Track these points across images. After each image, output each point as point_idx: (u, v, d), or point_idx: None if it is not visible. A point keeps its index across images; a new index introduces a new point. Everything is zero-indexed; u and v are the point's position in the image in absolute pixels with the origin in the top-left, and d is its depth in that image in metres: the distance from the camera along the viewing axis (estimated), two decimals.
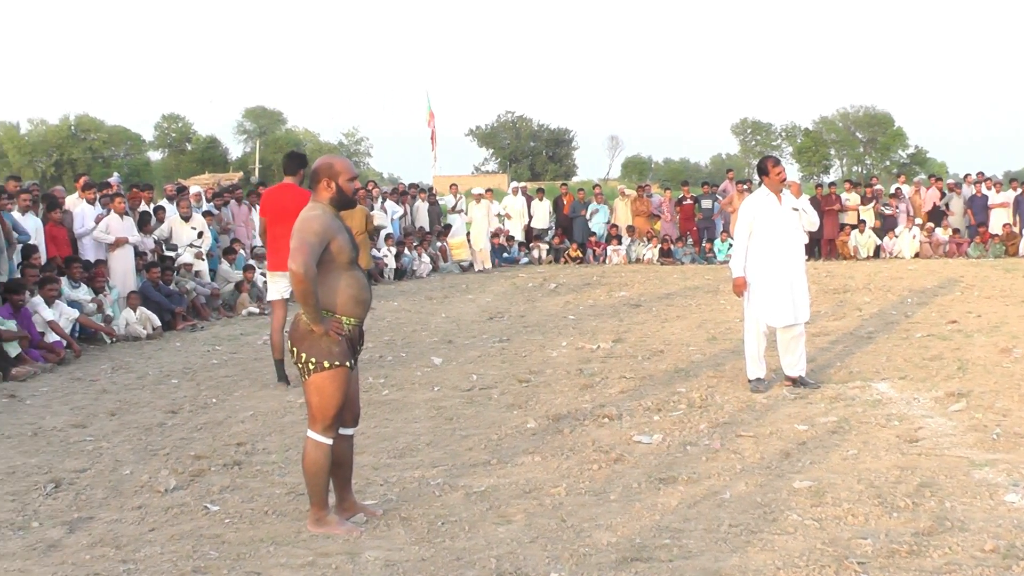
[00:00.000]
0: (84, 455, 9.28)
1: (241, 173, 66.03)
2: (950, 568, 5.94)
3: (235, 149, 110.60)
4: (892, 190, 34.28)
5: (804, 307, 11.79)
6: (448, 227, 31.92)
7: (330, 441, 7.01)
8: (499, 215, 33.33)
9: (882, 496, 7.38)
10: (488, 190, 32.72)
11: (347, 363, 6.97)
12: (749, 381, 11.70)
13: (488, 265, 30.55)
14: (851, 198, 32.92)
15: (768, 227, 11.60)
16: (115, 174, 27.59)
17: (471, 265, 30.61)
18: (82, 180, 20.00)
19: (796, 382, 11.67)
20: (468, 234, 31.47)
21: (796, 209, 11.72)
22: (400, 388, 12.02)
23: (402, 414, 10.68)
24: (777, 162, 11.79)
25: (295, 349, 6.96)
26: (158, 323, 17.33)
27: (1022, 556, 6.08)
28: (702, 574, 5.94)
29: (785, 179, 11.73)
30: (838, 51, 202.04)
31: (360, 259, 7.45)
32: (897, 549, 6.25)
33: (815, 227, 12.14)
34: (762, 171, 11.81)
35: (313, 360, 6.87)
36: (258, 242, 23.69)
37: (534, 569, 6.10)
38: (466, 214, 31.62)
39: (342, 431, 7.24)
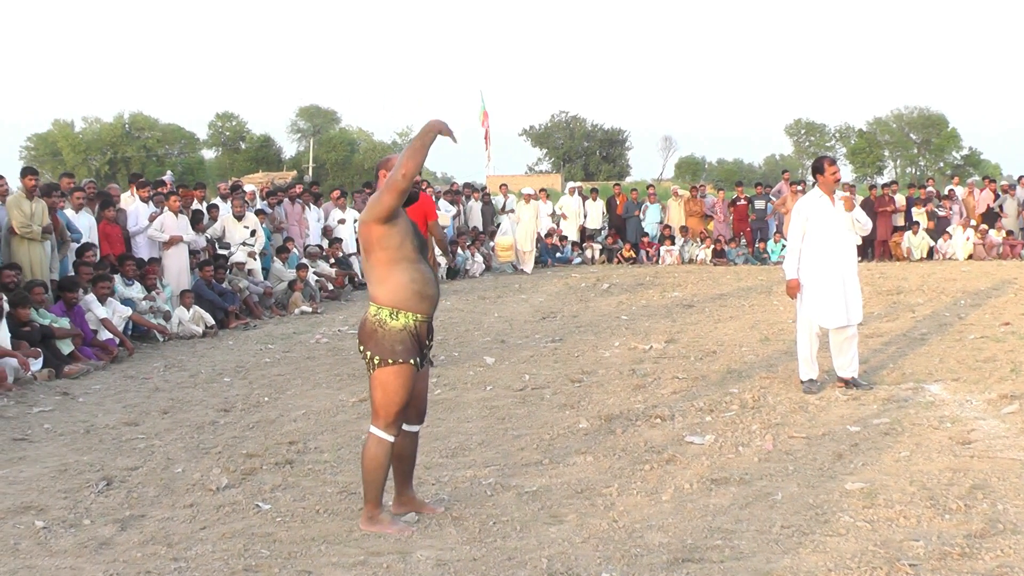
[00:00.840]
0: (136, 453, 9.36)
1: (295, 172, 66.34)
2: (1002, 571, 5.92)
3: (288, 148, 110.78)
4: (946, 191, 34.08)
5: (857, 308, 11.72)
6: (497, 227, 31.57)
7: (392, 438, 7.03)
8: (553, 214, 33.39)
9: (934, 498, 7.34)
10: (542, 190, 32.55)
11: (411, 360, 6.92)
12: (802, 382, 11.66)
13: (529, 268, 29.82)
14: (899, 199, 32.72)
15: (821, 228, 11.58)
16: (168, 172, 27.73)
17: (515, 267, 30.17)
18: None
19: (848, 383, 11.61)
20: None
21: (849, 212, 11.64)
22: (453, 388, 12.05)
23: (455, 413, 10.70)
24: (833, 162, 11.77)
25: (362, 346, 6.99)
26: (212, 321, 17.43)
27: None
28: (754, 574, 5.93)
29: (839, 179, 11.72)
30: (892, 52, 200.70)
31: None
32: (949, 551, 6.22)
33: (867, 231, 12.05)
34: (817, 170, 11.79)
35: (378, 357, 6.88)
36: (312, 241, 23.84)
37: (586, 569, 6.10)
38: (514, 214, 30.99)
39: (407, 427, 7.26)
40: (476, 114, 46.06)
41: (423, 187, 29.06)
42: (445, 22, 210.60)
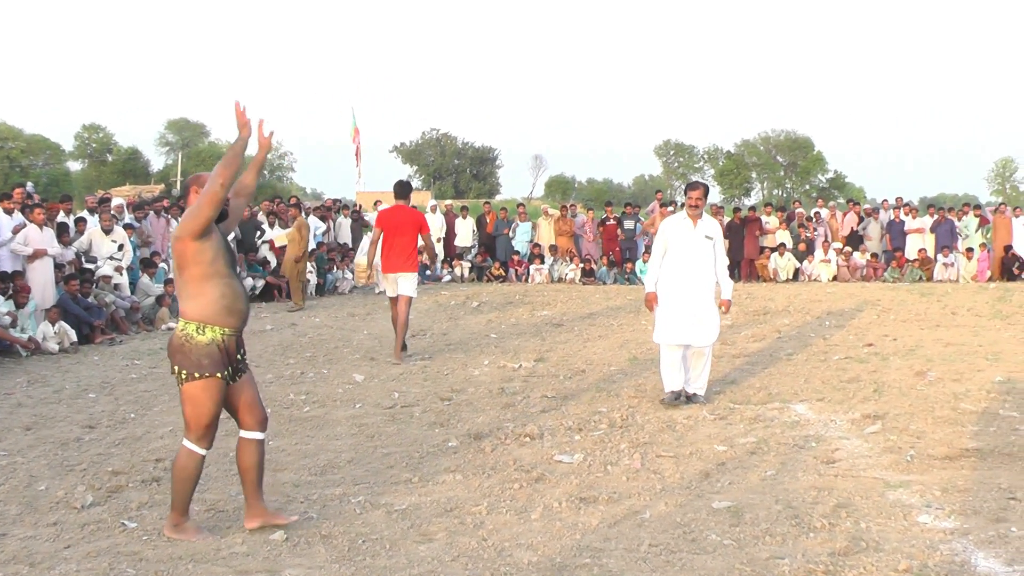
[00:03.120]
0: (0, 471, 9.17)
1: (163, 185, 65.63)
2: None
3: (157, 161, 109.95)
4: (811, 214, 34.67)
5: (706, 330, 11.95)
6: (344, 246, 30.53)
7: (203, 452, 7.22)
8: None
9: (799, 516, 7.46)
10: (377, 202, 31.88)
11: (218, 374, 7.07)
12: (664, 395, 12.00)
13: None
14: (771, 221, 33.27)
15: (679, 250, 11.97)
16: (28, 183, 27.27)
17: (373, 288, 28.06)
18: None
19: (690, 398, 12.01)
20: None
21: (709, 237, 12.01)
22: (322, 405, 11.98)
23: (324, 431, 10.64)
24: (694, 187, 12.19)
25: (170, 361, 7.14)
26: (74, 338, 17.11)
27: (934, 575, 6.18)
28: None
29: (695, 205, 11.99)
30: (761, 75, 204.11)
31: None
32: (813, 569, 6.33)
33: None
34: (684, 193, 12.29)
35: (185, 371, 7.04)
36: None
37: None
38: (372, 233, 29.28)
39: (245, 435, 7.43)
40: (347, 130, 45.90)
41: (291, 201, 28.97)
42: (317, 36, 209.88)
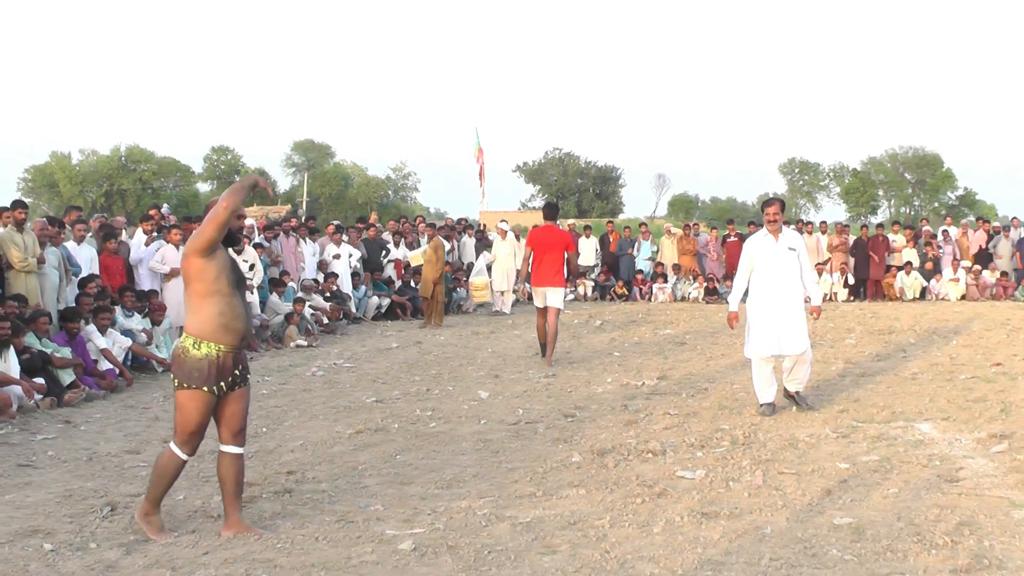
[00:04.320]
0: (138, 480, 9.45)
1: (289, 206, 66.40)
2: None
3: (283, 182, 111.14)
4: (938, 232, 34.30)
5: (793, 340, 12.33)
6: (470, 266, 30.35)
7: (185, 457, 7.72)
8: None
9: (921, 534, 7.48)
10: (504, 220, 31.87)
11: (204, 388, 7.50)
12: (760, 406, 12.41)
13: (507, 308, 28.23)
14: (898, 240, 32.96)
15: (764, 265, 12.44)
16: (164, 205, 27.90)
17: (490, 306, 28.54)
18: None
19: (792, 397, 12.65)
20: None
21: (792, 249, 12.43)
22: (447, 421, 12.17)
23: (449, 446, 10.83)
24: (770, 204, 12.63)
25: (171, 371, 7.73)
26: None
27: None
28: None
29: (773, 220, 12.43)
30: (888, 92, 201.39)
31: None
32: None
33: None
34: (763, 210, 12.75)
35: (177, 380, 7.56)
36: (307, 275, 23.97)
37: None
38: (489, 252, 29.55)
39: (224, 448, 7.86)
40: (471, 151, 46.26)
41: (416, 221, 29.21)
42: (441, 57, 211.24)
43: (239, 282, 7.76)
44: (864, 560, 6.93)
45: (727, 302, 29.83)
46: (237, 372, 7.76)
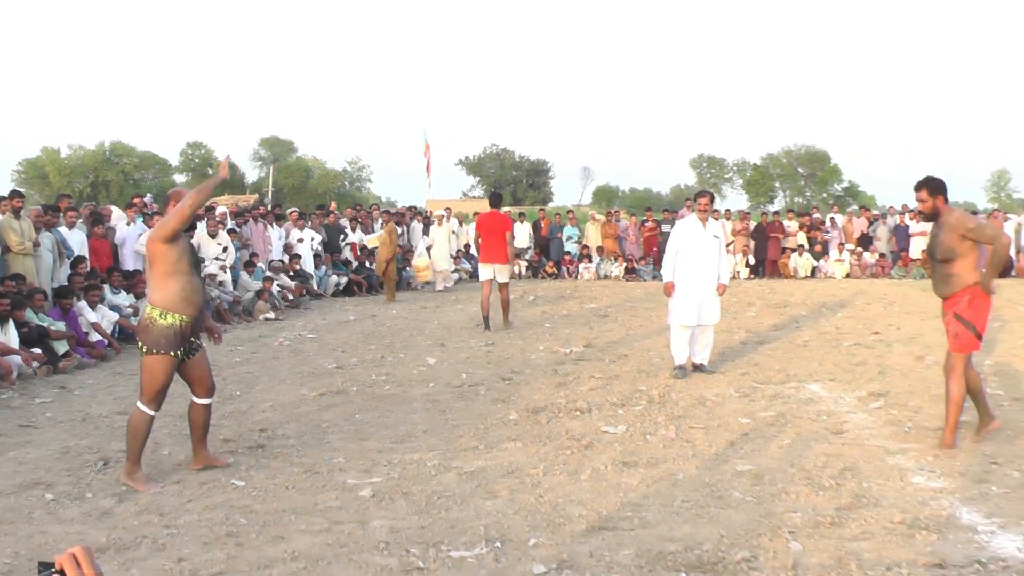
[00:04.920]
0: None
1: (256, 195, 66.00)
2: (865, 536, 6.22)
3: (251, 174, 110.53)
4: (827, 219, 34.66)
5: (712, 312, 12.78)
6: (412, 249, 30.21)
7: (152, 413, 7.83)
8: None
9: (811, 478, 7.64)
10: (447, 209, 32.02)
11: (171, 352, 7.72)
12: (673, 368, 12.73)
13: (450, 284, 28.60)
14: (791, 225, 33.28)
15: (690, 247, 12.69)
16: (148, 195, 27.72)
17: (432, 285, 28.34)
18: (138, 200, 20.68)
19: (698, 368, 12.85)
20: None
21: (716, 236, 12.79)
22: (400, 384, 12.21)
23: (402, 406, 10.88)
24: (702, 195, 12.92)
25: (137, 338, 7.85)
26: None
27: (924, 526, 6.36)
28: (659, 540, 6.18)
29: (704, 209, 12.73)
30: (784, 95, 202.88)
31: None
32: (822, 521, 6.53)
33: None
34: (694, 200, 13.00)
35: (146, 346, 7.70)
36: (274, 256, 23.94)
37: (517, 536, 6.34)
38: (428, 237, 29.51)
39: (197, 400, 8.20)
40: (419, 146, 46.16)
41: (371, 209, 29.11)
42: (393, 63, 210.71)
43: (196, 263, 8.04)
44: (762, 501, 7.08)
45: (644, 279, 30.28)
46: (194, 340, 8.01)
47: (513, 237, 18.83)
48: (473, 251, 32.10)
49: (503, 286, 18.11)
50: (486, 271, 18.14)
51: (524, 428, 9.69)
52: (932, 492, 7.25)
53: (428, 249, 28.15)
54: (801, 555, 5.89)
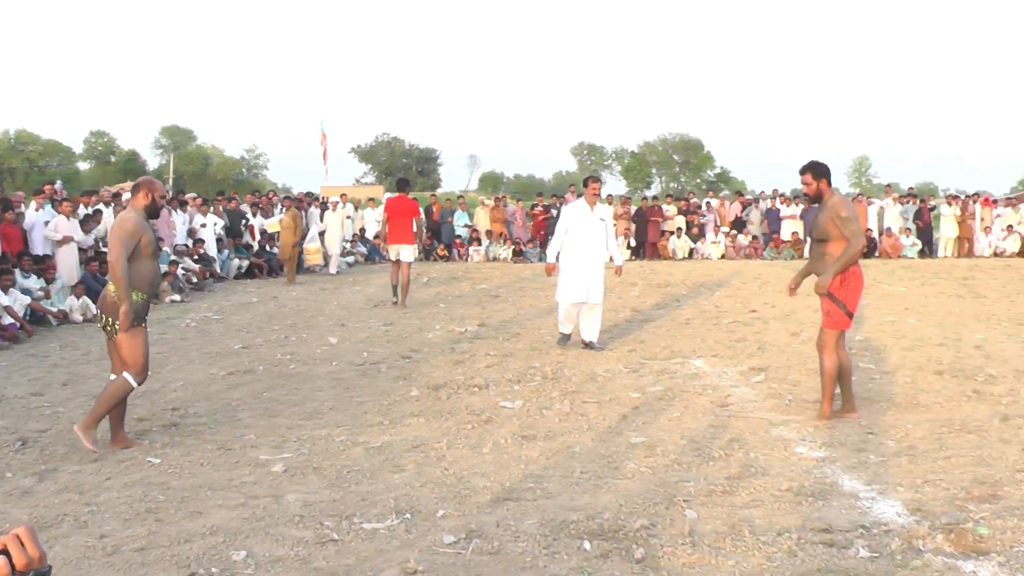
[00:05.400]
0: (44, 418, 9.22)
1: (159, 182, 65.05)
2: (755, 503, 6.30)
3: (152, 161, 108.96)
4: (703, 203, 35.06)
5: (597, 291, 12.84)
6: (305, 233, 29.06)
7: (137, 384, 8.04)
8: (378, 220, 33.40)
9: (700, 449, 7.72)
10: (342, 195, 31.76)
11: (142, 324, 8.04)
12: (559, 336, 13.13)
13: (334, 269, 27.57)
14: (670, 209, 33.61)
15: (578, 229, 12.82)
16: (58, 181, 27.21)
17: (325, 268, 27.76)
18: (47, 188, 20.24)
19: (587, 345, 12.94)
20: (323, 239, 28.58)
21: (602, 219, 12.98)
22: (305, 363, 12.07)
23: (308, 384, 10.76)
24: (595, 180, 13.12)
25: (103, 315, 8.00)
26: (95, 310, 16.90)
27: (809, 494, 6.45)
28: (561, 510, 6.18)
29: (595, 193, 12.96)
30: (658, 86, 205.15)
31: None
32: (714, 489, 6.59)
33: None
34: (584, 185, 13.14)
35: (117, 322, 7.88)
36: (179, 240, 23.58)
37: (425, 508, 6.30)
38: (322, 222, 29.03)
39: (113, 376, 8.10)
40: (316, 134, 45.78)
41: (268, 195, 28.77)
42: (288, 54, 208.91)
43: (156, 251, 8.21)
44: (657, 471, 7.13)
45: (531, 261, 30.34)
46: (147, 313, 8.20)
47: (422, 220, 19.55)
48: (368, 235, 32.28)
49: (407, 265, 18.40)
50: (393, 251, 18.49)
51: (426, 404, 9.64)
52: (815, 461, 7.36)
53: (321, 234, 27.86)
54: (697, 522, 5.93)
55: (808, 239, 8.17)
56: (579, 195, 14.27)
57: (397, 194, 19.13)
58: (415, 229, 18.62)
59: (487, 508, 6.29)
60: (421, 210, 20.67)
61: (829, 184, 8.75)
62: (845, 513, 6.06)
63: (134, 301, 7.90)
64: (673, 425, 8.61)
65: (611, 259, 13.21)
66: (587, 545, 5.55)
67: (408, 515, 6.15)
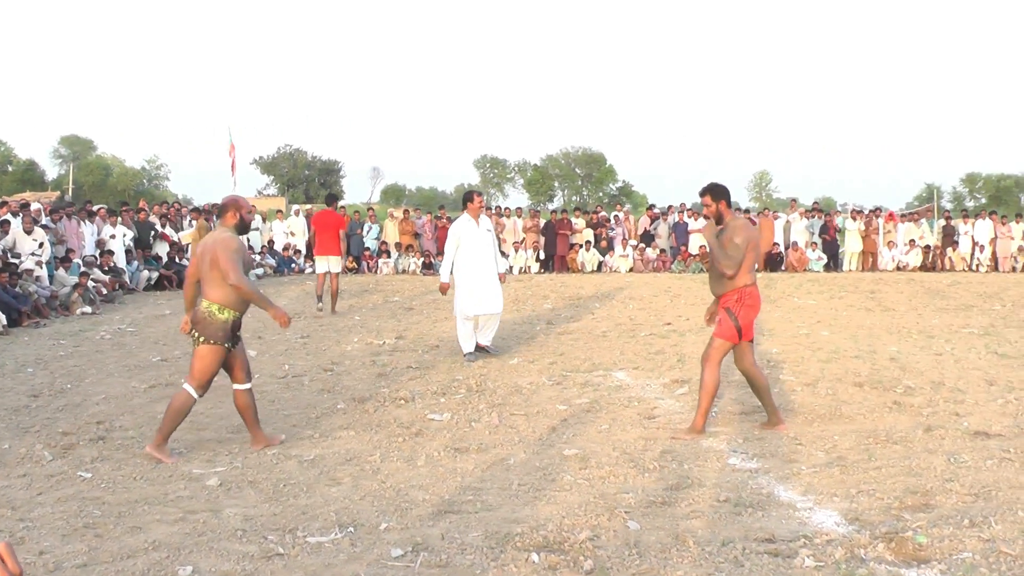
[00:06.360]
0: None
1: (58, 192, 63.94)
2: (695, 514, 6.35)
3: (51, 171, 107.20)
4: (612, 217, 35.34)
5: (493, 301, 13.20)
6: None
7: (197, 397, 8.09)
8: (286, 232, 33.22)
9: (635, 460, 7.77)
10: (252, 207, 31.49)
11: (224, 344, 8.02)
12: (464, 355, 13.08)
13: None
14: (579, 223, 33.85)
15: (468, 243, 13.05)
16: None
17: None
18: None
19: (483, 349, 13.32)
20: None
21: (489, 230, 13.32)
22: (225, 376, 11.84)
23: (231, 397, 10.57)
24: (479, 195, 13.52)
25: (194, 332, 8.04)
26: (4, 322, 16.63)
27: (748, 505, 6.53)
28: (504, 522, 6.18)
29: (479, 207, 13.35)
30: (561, 100, 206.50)
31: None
32: (653, 501, 6.63)
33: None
34: (468, 200, 13.40)
35: (203, 337, 7.97)
36: (88, 252, 23.27)
37: (367, 521, 6.26)
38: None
39: (238, 387, 8.37)
40: (223, 145, 45.40)
41: (175, 206, 28.44)
42: (191, 64, 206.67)
43: (248, 266, 8.37)
44: (593, 483, 7.16)
45: (440, 273, 30.30)
46: (238, 333, 8.25)
47: (347, 234, 20.57)
48: (277, 247, 32.09)
49: (335, 276, 19.07)
50: (321, 263, 19.16)
51: (354, 417, 9.59)
52: (749, 472, 7.45)
53: None
54: (640, 533, 5.97)
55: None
56: (489, 208, 14.34)
57: (326, 208, 19.89)
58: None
59: (429, 521, 6.27)
60: (294, 225, 21.48)
61: (728, 205, 8.80)
62: (785, 523, 6.14)
63: (226, 320, 8.01)
64: (603, 437, 8.65)
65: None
66: (535, 557, 5.56)
67: (351, 528, 6.11)
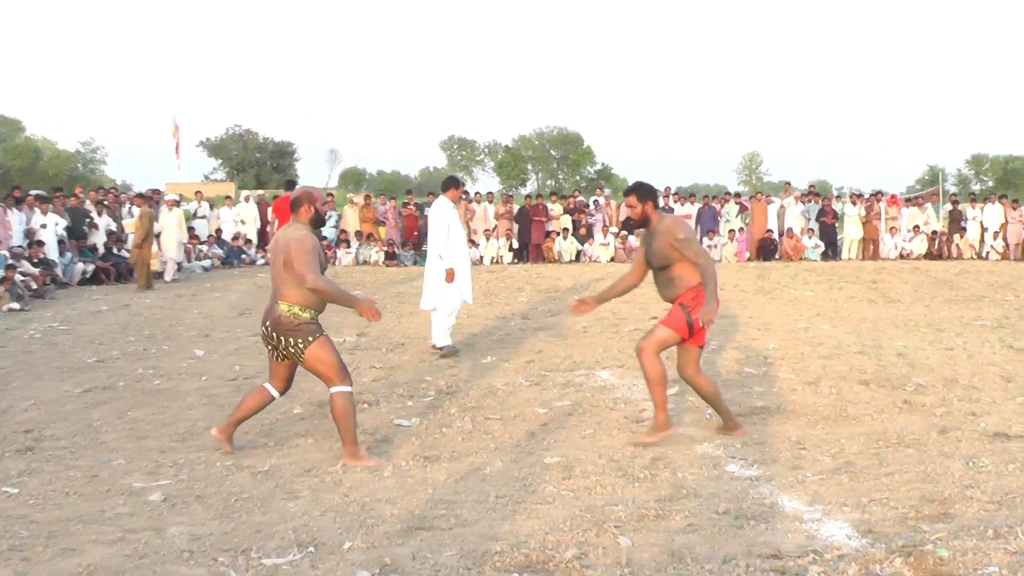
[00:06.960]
0: None
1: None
2: (692, 528, 6.23)
3: None
4: (591, 202, 35.21)
5: (468, 290, 13.52)
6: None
7: (350, 388, 8.15)
8: (235, 220, 32.93)
9: (623, 469, 7.66)
10: (198, 192, 31.40)
11: (323, 332, 8.18)
12: (445, 346, 13.26)
13: (170, 276, 26.02)
14: (555, 208, 33.72)
15: (457, 229, 13.25)
16: None
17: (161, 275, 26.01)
18: None
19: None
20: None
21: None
22: (170, 378, 11.77)
23: (176, 402, 10.49)
24: (463, 183, 13.72)
25: (282, 339, 8.07)
26: None
27: (749, 516, 6.42)
28: (481, 539, 6.04)
29: (457, 198, 13.58)
30: (534, 75, 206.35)
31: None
32: (645, 514, 6.51)
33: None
34: (453, 185, 13.62)
35: (301, 341, 8.01)
36: (15, 242, 23.00)
37: (330, 539, 6.11)
38: (158, 223, 26.81)
39: (270, 389, 8.44)
40: (166, 127, 45.09)
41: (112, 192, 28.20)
42: (133, 41, 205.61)
43: (324, 264, 8.33)
44: (578, 494, 7.04)
45: (405, 264, 30.20)
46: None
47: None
48: (225, 235, 31.88)
49: None
50: None
51: (312, 423, 9.47)
52: (749, 480, 7.35)
53: (157, 236, 26.64)
54: (632, 550, 5.84)
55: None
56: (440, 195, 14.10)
57: (284, 194, 19.97)
58: None
59: (398, 539, 6.13)
60: (245, 212, 21.41)
61: (656, 207, 8.70)
62: (791, 537, 6.03)
63: (311, 316, 8.10)
64: (588, 443, 8.55)
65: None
66: None
67: (311, 548, 5.96)
